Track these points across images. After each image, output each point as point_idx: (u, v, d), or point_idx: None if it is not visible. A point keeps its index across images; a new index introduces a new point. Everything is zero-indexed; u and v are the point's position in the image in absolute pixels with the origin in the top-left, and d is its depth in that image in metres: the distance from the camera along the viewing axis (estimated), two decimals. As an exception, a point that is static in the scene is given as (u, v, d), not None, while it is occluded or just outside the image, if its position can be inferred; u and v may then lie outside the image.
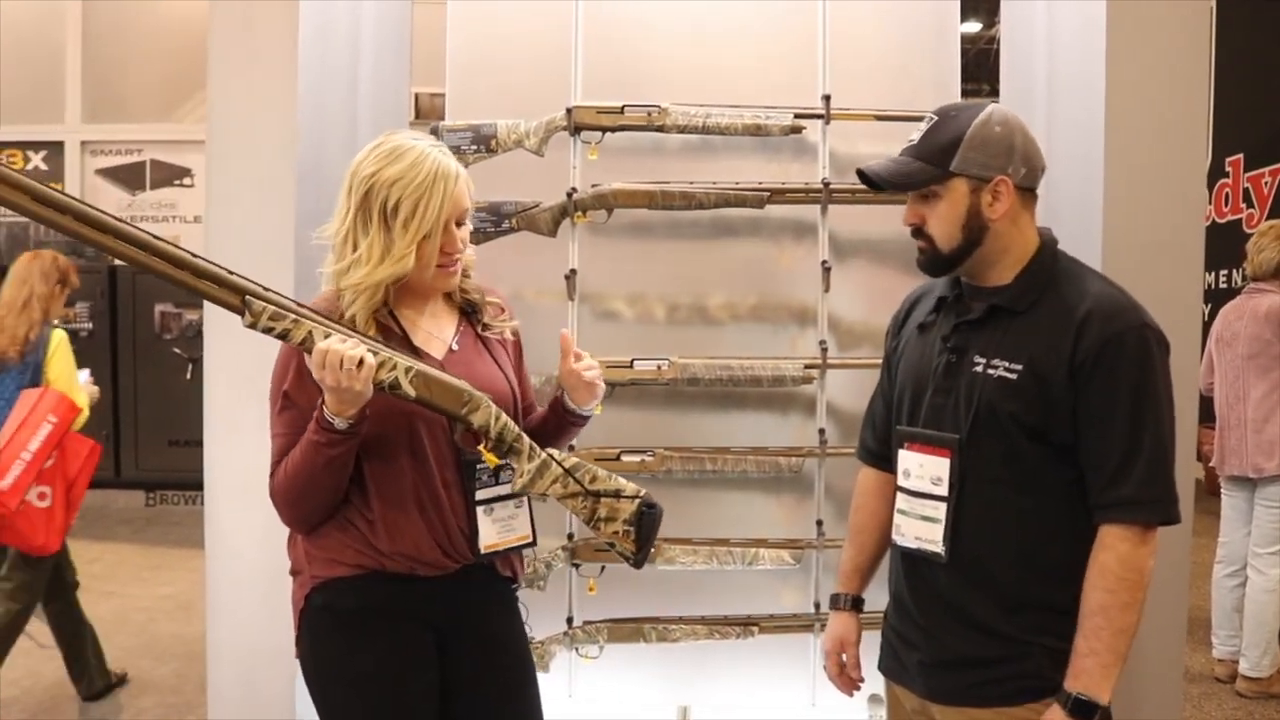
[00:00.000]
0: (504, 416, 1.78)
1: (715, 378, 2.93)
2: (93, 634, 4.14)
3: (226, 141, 2.81)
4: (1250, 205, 8.62)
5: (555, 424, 2.00)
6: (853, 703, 2.18)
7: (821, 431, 2.99)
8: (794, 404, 3.07)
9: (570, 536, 2.93)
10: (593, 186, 2.94)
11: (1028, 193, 1.79)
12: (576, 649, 2.94)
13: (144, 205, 8.89)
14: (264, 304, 1.61)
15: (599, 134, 2.94)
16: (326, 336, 1.63)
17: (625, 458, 2.90)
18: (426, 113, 6.98)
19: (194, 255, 1.60)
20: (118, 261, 7.95)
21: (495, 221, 2.91)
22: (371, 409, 1.70)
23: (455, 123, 2.95)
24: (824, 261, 2.99)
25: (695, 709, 3.03)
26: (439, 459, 1.80)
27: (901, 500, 1.85)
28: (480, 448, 1.76)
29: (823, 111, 2.95)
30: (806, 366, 2.94)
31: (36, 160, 8.98)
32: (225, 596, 2.83)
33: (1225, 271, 8.64)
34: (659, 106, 2.92)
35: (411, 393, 1.68)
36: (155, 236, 1.56)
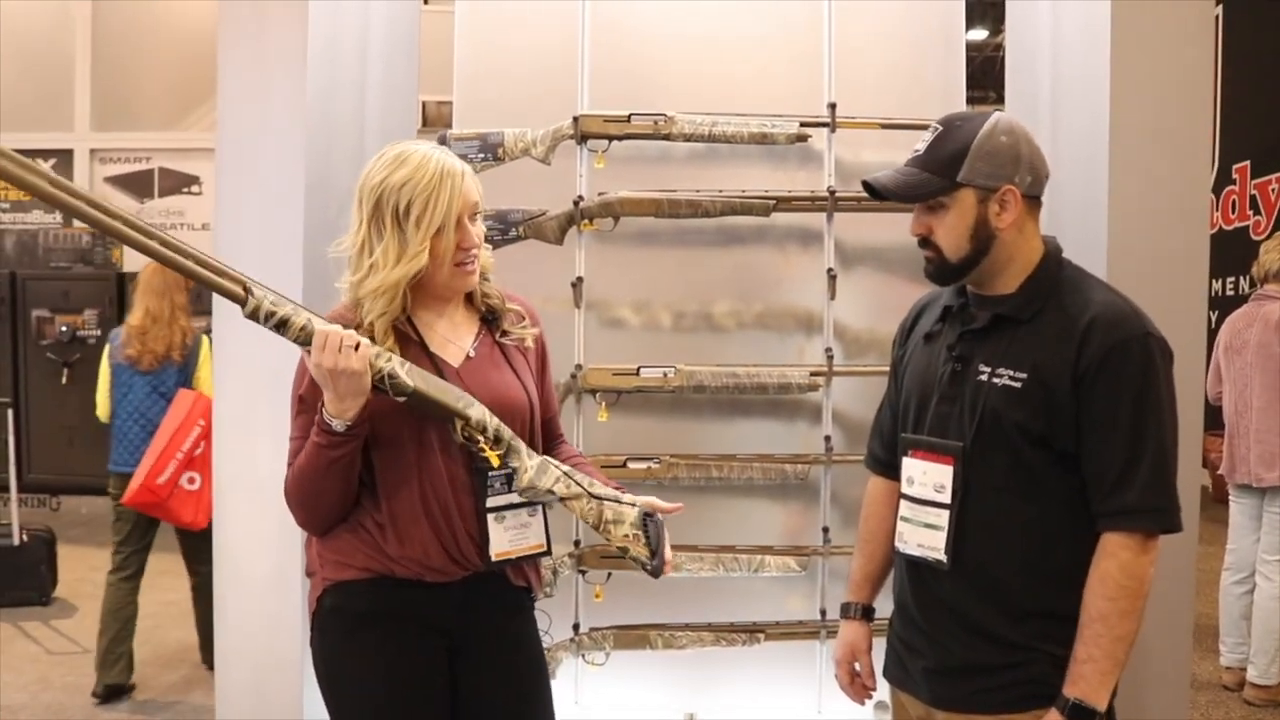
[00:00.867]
0: (496, 419, 1.77)
1: (721, 385, 2.93)
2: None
3: (235, 149, 2.82)
4: (1257, 212, 8.61)
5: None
6: (858, 710, 2.18)
7: (827, 439, 2.99)
8: (800, 411, 3.07)
9: (577, 544, 2.94)
10: (599, 195, 2.95)
11: (1033, 201, 1.79)
12: (583, 656, 2.94)
13: (152, 213, 8.91)
14: (265, 290, 1.63)
15: (606, 142, 2.95)
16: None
17: (631, 465, 2.91)
18: (434, 121, 7.01)
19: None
20: (126, 269, 8.01)
21: (502, 229, 2.92)
22: (382, 414, 1.72)
23: (463, 131, 2.96)
24: (830, 269, 3.00)
25: (701, 716, 3.03)
26: (449, 466, 1.80)
27: (905, 508, 1.86)
28: (481, 443, 1.76)
29: (828, 120, 2.96)
30: (812, 374, 2.94)
31: (45, 168, 9.02)
32: (234, 603, 2.84)
33: (1232, 279, 8.63)
34: (665, 115, 2.93)
35: (410, 383, 1.68)
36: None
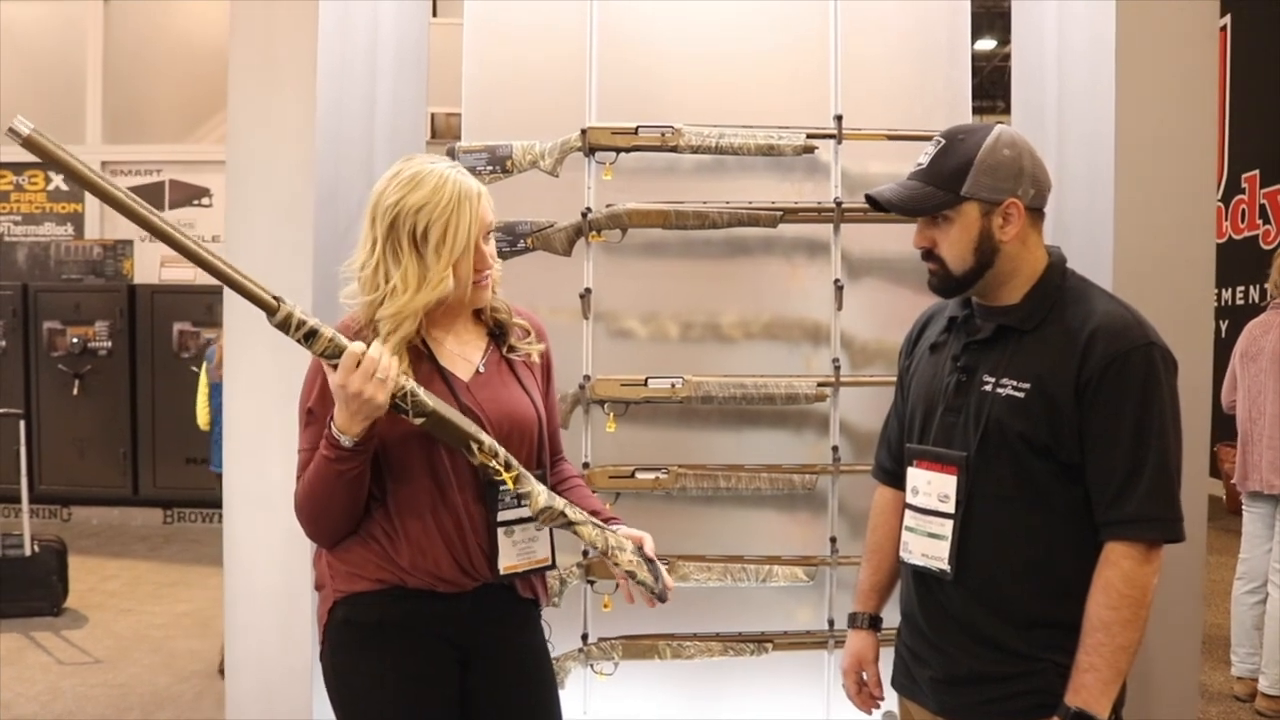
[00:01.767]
0: (503, 448, 1.77)
1: (729, 395, 2.94)
2: None
3: (246, 162, 2.84)
4: (1267, 221, 8.59)
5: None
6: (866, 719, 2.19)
7: (835, 449, 3.00)
8: (807, 422, 3.08)
9: (585, 554, 2.94)
10: (607, 206, 2.97)
11: (1036, 213, 1.80)
12: (591, 665, 2.95)
13: (163, 225, 8.94)
14: (294, 302, 1.63)
15: (613, 154, 2.97)
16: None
17: (640, 475, 2.92)
18: (443, 133, 7.03)
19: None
20: (137, 281, 8.05)
21: (511, 241, 2.94)
22: (395, 434, 1.73)
23: (471, 143, 2.98)
24: (837, 280, 3.01)
25: (710, 726, 3.04)
26: (460, 480, 1.80)
27: (909, 517, 1.86)
28: (494, 467, 1.76)
29: (835, 131, 2.97)
30: (820, 384, 2.95)
31: (57, 180, 9.07)
32: (243, 613, 2.85)
33: (1241, 288, 8.61)
34: (673, 127, 2.94)
35: (429, 404, 1.68)
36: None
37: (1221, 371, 4.32)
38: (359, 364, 1.61)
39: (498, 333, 1.93)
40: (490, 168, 2.93)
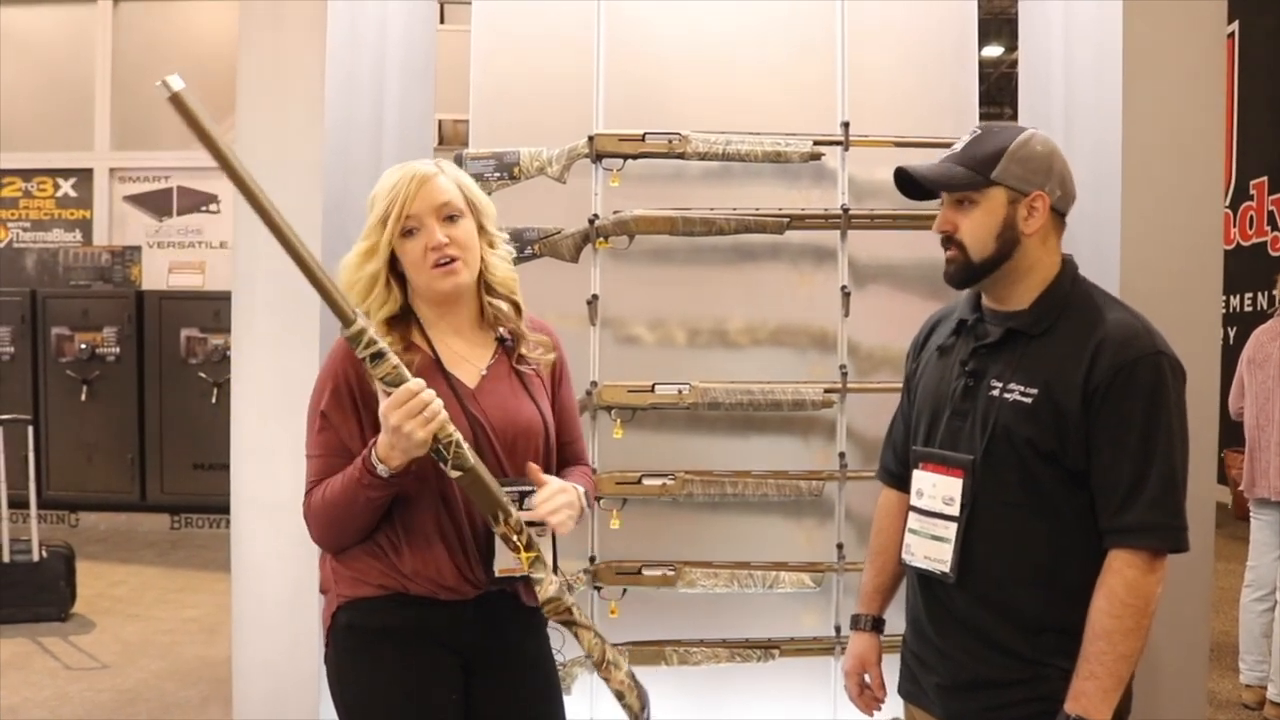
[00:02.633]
0: (529, 529, 1.77)
1: (736, 402, 2.94)
2: None
3: (254, 168, 2.84)
4: (1275, 228, 8.58)
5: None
6: (874, 725, 2.19)
7: (842, 455, 3.00)
8: (814, 428, 3.08)
9: (592, 559, 2.95)
10: (614, 213, 2.97)
11: (1059, 217, 1.81)
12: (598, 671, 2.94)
13: (170, 231, 8.98)
14: (368, 321, 1.66)
15: (620, 161, 2.97)
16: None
17: (646, 481, 2.92)
18: (450, 139, 7.05)
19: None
20: (145, 287, 8.07)
21: (518, 248, 2.93)
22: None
23: (479, 150, 2.99)
24: (843, 286, 3.01)
25: (716, 733, 3.04)
26: (466, 501, 1.80)
27: (913, 520, 1.86)
28: (515, 542, 1.75)
29: (842, 138, 2.97)
30: (826, 390, 2.95)
31: (66, 187, 9.11)
32: (251, 619, 2.85)
33: (1250, 294, 8.60)
34: (680, 134, 2.95)
35: (470, 460, 1.68)
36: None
37: (1229, 378, 4.31)
38: (407, 402, 1.62)
39: (507, 340, 1.92)
40: (498, 174, 2.93)
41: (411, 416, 1.61)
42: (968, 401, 1.79)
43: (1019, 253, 1.77)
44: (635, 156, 2.97)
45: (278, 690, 2.83)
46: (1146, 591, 1.65)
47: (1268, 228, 8.68)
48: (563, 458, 1.99)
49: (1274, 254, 8.45)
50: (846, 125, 2.98)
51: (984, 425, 1.75)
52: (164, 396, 7.82)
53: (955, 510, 1.77)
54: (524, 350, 1.92)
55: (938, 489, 1.81)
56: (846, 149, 2.99)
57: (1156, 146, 2.67)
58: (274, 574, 2.82)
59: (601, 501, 2.95)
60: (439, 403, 1.65)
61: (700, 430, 3.07)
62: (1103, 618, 1.65)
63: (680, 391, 2.93)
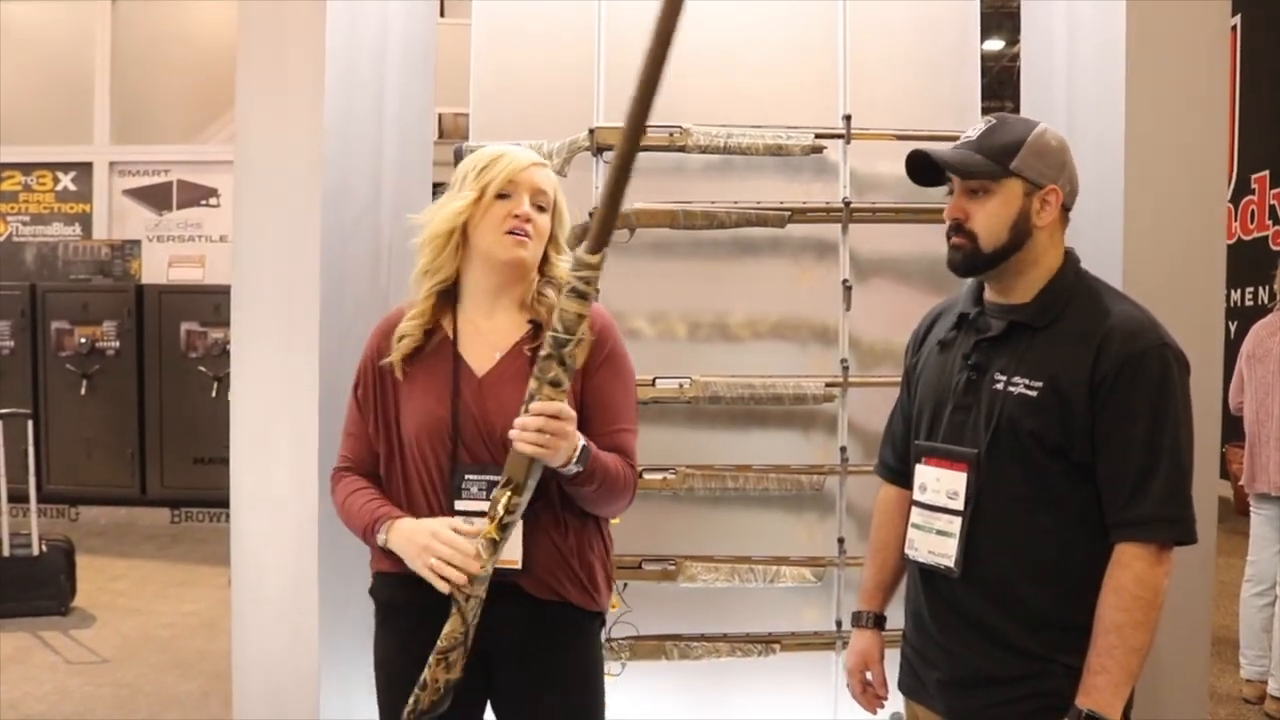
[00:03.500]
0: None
1: (737, 396, 2.94)
2: None
3: (254, 162, 2.84)
4: (1276, 222, 8.57)
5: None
6: (873, 720, 2.18)
7: (843, 449, 2.99)
8: (815, 422, 3.07)
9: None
10: (615, 206, 2.96)
11: (1064, 212, 1.81)
12: (598, 666, 2.94)
13: (170, 225, 8.97)
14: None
15: (621, 154, 2.96)
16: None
17: (647, 475, 2.91)
18: (450, 133, 7.03)
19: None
20: (144, 281, 8.07)
21: (518, 241, 2.93)
22: (411, 426, 1.86)
23: (479, 143, 2.97)
24: (845, 280, 3.00)
25: (717, 727, 3.03)
26: (437, 478, 1.86)
27: (916, 514, 1.86)
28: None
29: (843, 131, 2.97)
30: (828, 385, 2.95)
31: (65, 181, 9.09)
32: (251, 613, 2.85)
33: (1251, 289, 8.59)
34: (681, 127, 2.94)
35: (468, 615, 1.76)
36: None
37: (1230, 373, 4.31)
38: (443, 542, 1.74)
39: (539, 324, 1.88)
40: (498, 168, 2.92)
41: (421, 557, 1.75)
42: (970, 395, 1.79)
43: (1029, 245, 1.77)
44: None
45: (278, 685, 2.82)
46: (1155, 584, 1.65)
47: (1269, 222, 8.67)
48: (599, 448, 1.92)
49: (1275, 248, 8.44)
50: (848, 118, 2.97)
51: (988, 419, 1.74)
52: (164, 390, 7.82)
53: (959, 504, 1.77)
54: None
55: (941, 483, 1.80)
56: (848, 142, 2.98)
57: (1159, 141, 2.65)
58: (274, 569, 2.81)
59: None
60: (458, 558, 1.72)
61: (701, 424, 3.07)
62: (1112, 611, 1.65)
63: (681, 385, 2.93)
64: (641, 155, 2.93)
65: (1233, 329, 7.94)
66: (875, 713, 2.08)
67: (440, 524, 1.76)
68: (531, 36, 3.13)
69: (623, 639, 2.94)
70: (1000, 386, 1.74)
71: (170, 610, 5.63)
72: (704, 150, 2.95)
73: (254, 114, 2.84)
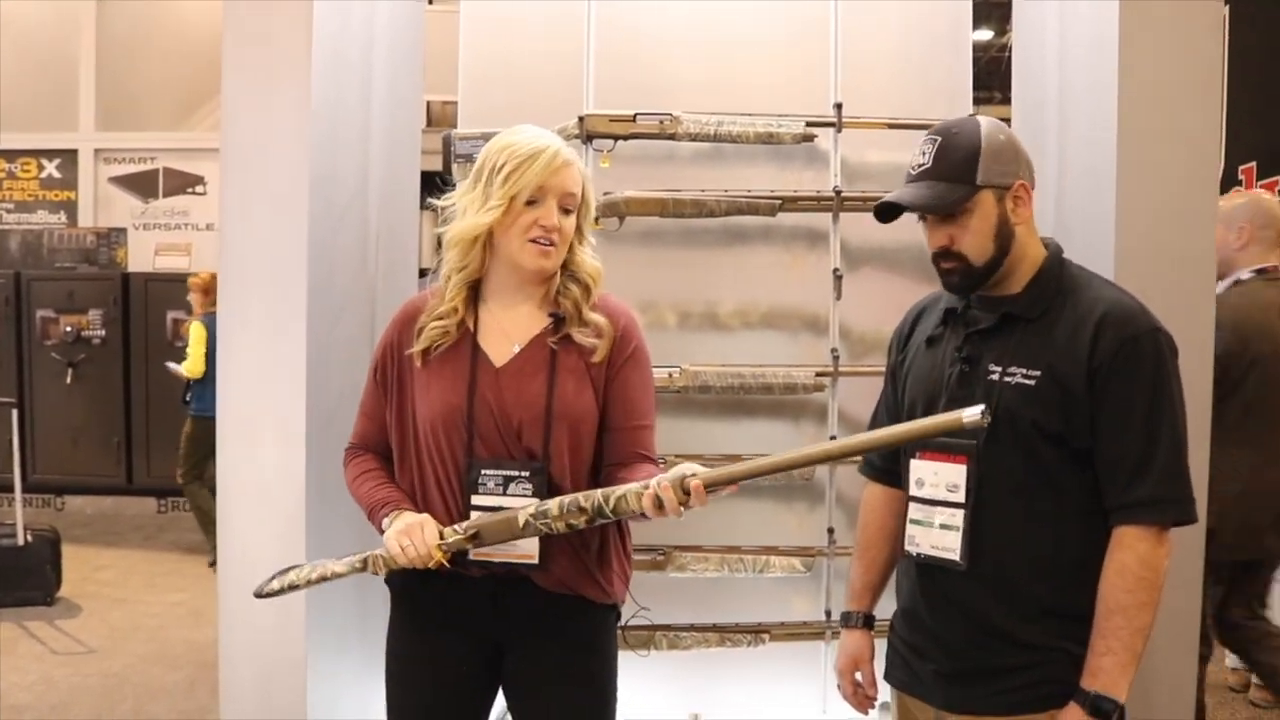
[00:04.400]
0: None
1: (727, 385, 2.93)
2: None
3: (240, 149, 2.82)
4: (1263, 213, 8.58)
5: None
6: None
7: (833, 439, 2.98)
8: (805, 411, 3.07)
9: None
10: (605, 194, 2.94)
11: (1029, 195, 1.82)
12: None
13: (156, 213, 8.93)
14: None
15: (611, 142, 2.95)
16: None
17: (637, 465, 2.90)
18: (439, 120, 7.01)
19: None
20: (130, 269, 8.03)
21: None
22: (426, 414, 1.86)
23: (468, 130, 2.96)
24: (836, 269, 2.99)
25: (706, 716, 3.03)
26: (454, 466, 1.84)
27: (914, 510, 1.85)
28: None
29: (835, 120, 2.95)
30: (818, 374, 2.94)
31: (50, 168, 9.04)
32: (238, 603, 2.83)
33: (1238, 280, 8.60)
34: (671, 115, 2.92)
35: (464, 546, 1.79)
36: None
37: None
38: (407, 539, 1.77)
39: (561, 317, 1.88)
40: (487, 155, 2.90)
41: (407, 551, 1.77)
42: (965, 388, 1.78)
43: (1014, 244, 1.78)
44: (626, 137, 2.94)
45: (265, 674, 2.81)
46: (1158, 564, 1.67)
47: (1257, 213, 8.68)
48: (616, 444, 1.92)
49: (1262, 240, 8.45)
50: (839, 107, 2.96)
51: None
52: (150, 379, 7.78)
53: (960, 497, 1.76)
54: (572, 332, 1.87)
55: (940, 476, 1.80)
56: (839, 131, 2.97)
57: (1151, 134, 2.65)
58: (261, 558, 2.79)
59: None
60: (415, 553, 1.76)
61: (691, 413, 3.06)
62: (1117, 593, 1.66)
63: (671, 375, 2.92)
64: (632, 143, 2.96)
65: (1220, 320, 7.95)
66: (866, 713, 2.08)
67: (430, 526, 1.78)
68: (521, 23, 3.11)
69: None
70: (996, 377, 1.74)
71: (157, 600, 5.61)
72: (694, 138, 2.93)
73: (240, 101, 2.81)
